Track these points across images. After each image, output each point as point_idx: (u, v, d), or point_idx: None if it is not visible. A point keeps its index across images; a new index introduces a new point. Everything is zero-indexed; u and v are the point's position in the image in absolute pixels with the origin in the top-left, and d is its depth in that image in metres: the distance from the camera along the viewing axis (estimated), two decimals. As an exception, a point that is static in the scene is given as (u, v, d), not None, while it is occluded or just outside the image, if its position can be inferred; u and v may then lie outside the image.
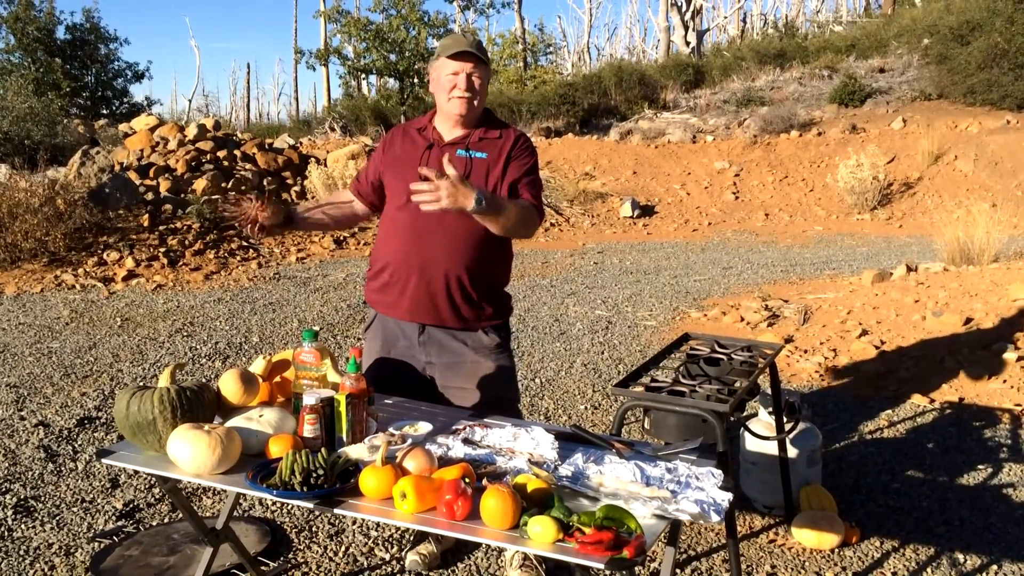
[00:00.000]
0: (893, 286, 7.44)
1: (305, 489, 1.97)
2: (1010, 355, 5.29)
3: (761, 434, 3.43)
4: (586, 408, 4.96)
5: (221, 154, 12.61)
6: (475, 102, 2.74)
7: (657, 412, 2.93)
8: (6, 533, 3.40)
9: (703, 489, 2.02)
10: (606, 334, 6.67)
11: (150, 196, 10.92)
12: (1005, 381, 5.03)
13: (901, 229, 13.15)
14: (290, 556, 3.23)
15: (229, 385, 2.35)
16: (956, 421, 4.65)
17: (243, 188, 2.86)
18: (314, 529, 3.43)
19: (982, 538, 3.38)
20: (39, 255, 8.95)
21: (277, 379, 2.52)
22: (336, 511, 1.97)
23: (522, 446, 2.25)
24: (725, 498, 1.98)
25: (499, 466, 2.13)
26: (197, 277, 8.79)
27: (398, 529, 3.39)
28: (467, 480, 1.96)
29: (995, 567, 3.16)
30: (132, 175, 11.34)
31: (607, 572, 1.75)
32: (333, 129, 20.18)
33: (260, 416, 2.28)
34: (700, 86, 22.23)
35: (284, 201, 3.05)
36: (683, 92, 21.65)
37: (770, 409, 3.46)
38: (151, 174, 11.64)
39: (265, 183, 11.88)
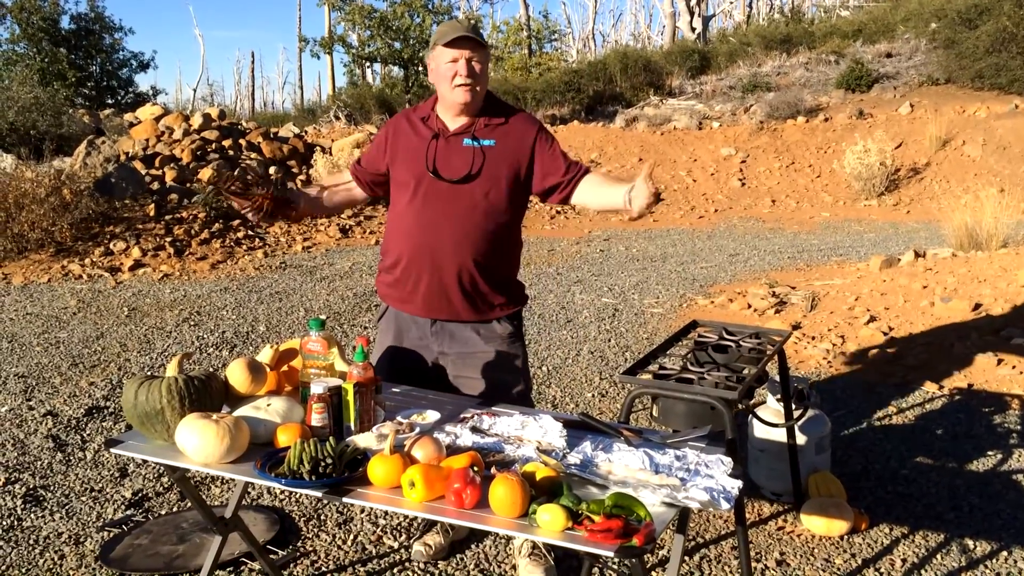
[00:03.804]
0: (901, 272, 7.41)
1: (313, 478, 1.97)
2: (1019, 340, 5.26)
3: (770, 421, 3.42)
4: (593, 396, 4.95)
5: (226, 143, 12.62)
6: (477, 88, 2.70)
7: (665, 400, 2.92)
8: (16, 523, 3.41)
9: (712, 476, 2.02)
10: (613, 322, 6.65)
11: (156, 186, 10.93)
12: (1014, 367, 5.01)
13: (909, 215, 13.09)
14: (299, 544, 3.24)
15: (237, 374, 2.34)
16: (965, 407, 4.63)
17: (248, 177, 2.84)
18: (322, 517, 3.44)
19: (991, 524, 3.37)
20: (46, 245, 8.97)
21: (284, 368, 2.51)
22: (344, 500, 1.96)
23: (530, 434, 2.25)
24: (734, 485, 1.98)
25: (507, 454, 2.13)
26: (203, 266, 8.79)
27: (406, 518, 3.39)
28: (475, 468, 1.95)
29: (1005, 553, 3.15)
30: (138, 165, 11.34)
31: (616, 560, 1.74)
32: (338, 118, 20.15)
33: (268, 405, 2.27)
34: (706, 72, 22.13)
35: (285, 185, 2.99)
36: (689, 78, 21.55)
37: (778, 396, 3.45)
38: (156, 164, 11.65)
39: (271, 171, 11.86)
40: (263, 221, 2.70)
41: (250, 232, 10.04)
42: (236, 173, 2.66)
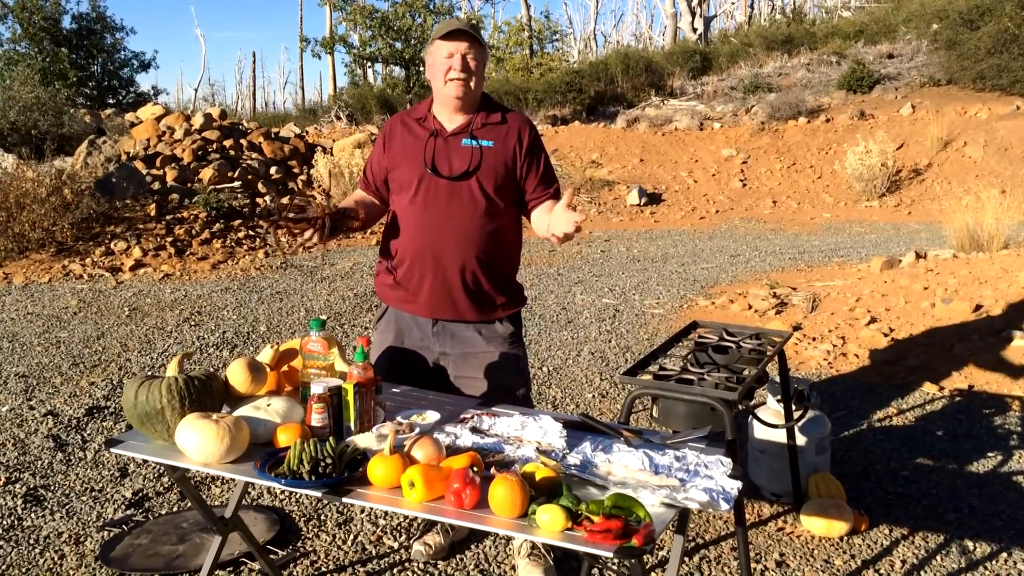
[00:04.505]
0: (902, 273, 7.41)
1: (313, 478, 1.97)
2: (1020, 342, 5.26)
3: (770, 422, 3.42)
4: (593, 396, 4.95)
5: (227, 143, 12.62)
6: (471, 84, 2.70)
7: (665, 400, 2.92)
8: (16, 522, 3.41)
9: (712, 477, 2.02)
10: (613, 322, 6.65)
11: (157, 186, 10.93)
12: (1015, 368, 5.01)
13: (910, 216, 13.09)
14: (299, 544, 3.24)
15: (237, 374, 2.34)
16: (965, 408, 4.63)
17: (296, 201, 2.67)
18: (322, 518, 3.44)
19: (992, 525, 3.37)
20: (47, 245, 8.97)
21: (285, 368, 2.51)
22: (344, 500, 1.96)
23: (530, 435, 2.25)
24: (734, 486, 1.98)
25: (507, 455, 2.13)
26: (204, 266, 8.80)
27: (406, 518, 3.39)
28: (475, 469, 1.95)
29: (1005, 554, 3.15)
30: (139, 165, 11.34)
31: (616, 560, 1.74)
32: (339, 118, 20.16)
33: (268, 405, 2.27)
34: (707, 73, 22.13)
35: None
36: (690, 79, 21.55)
37: (779, 397, 3.45)
38: (158, 164, 11.65)
39: (272, 171, 11.81)
40: (327, 239, 2.59)
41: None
42: (285, 203, 2.58)
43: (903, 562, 3.11)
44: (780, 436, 3.43)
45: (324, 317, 4.40)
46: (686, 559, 3.12)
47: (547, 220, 2.65)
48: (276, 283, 8.13)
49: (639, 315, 6.90)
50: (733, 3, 39.15)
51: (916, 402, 4.74)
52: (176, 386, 2.19)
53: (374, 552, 3.19)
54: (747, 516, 3.42)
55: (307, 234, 2.58)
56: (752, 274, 8.56)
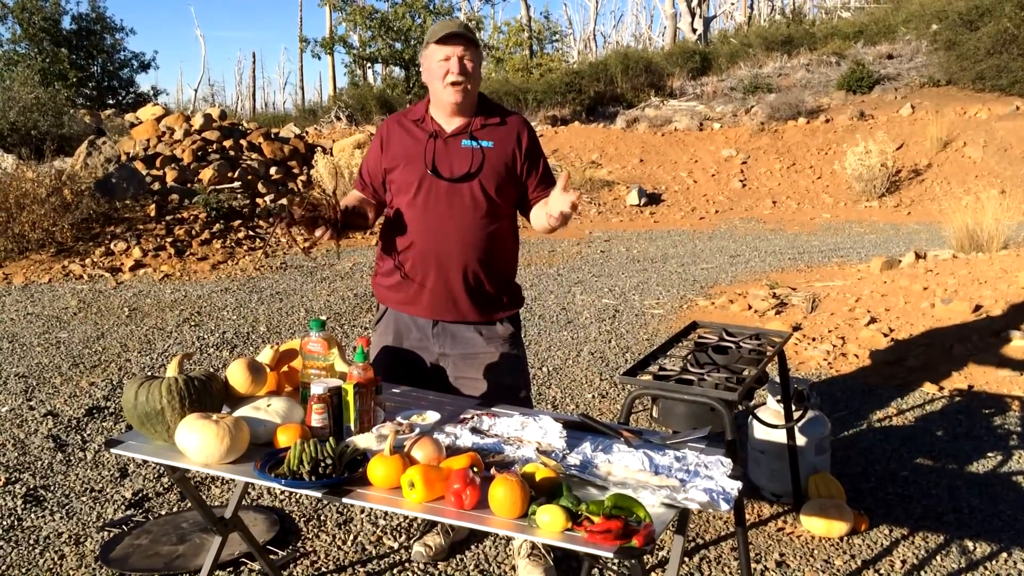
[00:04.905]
0: (902, 273, 7.41)
1: (313, 478, 1.97)
2: (1020, 342, 5.26)
3: (770, 422, 3.42)
4: (593, 397, 4.95)
5: (227, 144, 12.61)
6: (469, 87, 2.71)
7: (665, 400, 2.93)
8: (16, 523, 3.41)
9: (712, 478, 2.02)
10: (613, 323, 6.65)
11: (157, 186, 10.93)
12: (1014, 368, 5.01)
13: (909, 216, 13.09)
14: (299, 545, 3.24)
15: (237, 375, 2.34)
16: (965, 408, 4.63)
17: (301, 196, 2.63)
18: (322, 518, 3.44)
19: (992, 525, 3.37)
20: (47, 245, 8.97)
21: (285, 369, 2.51)
22: (344, 500, 1.96)
23: (530, 435, 2.25)
24: (734, 487, 1.98)
25: (507, 455, 2.13)
26: (204, 267, 8.80)
27: (406, 518, 3.39)
28: (475, 469, 1.95)
29: (1005, 555, 3.15)
30: (138, 165, 11.34)
31: (616, 561, 1.74)
32: (339, 118, 20.16)
33: (268, 406, 2.28)
34: (707, 73, 22.13)
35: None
36: (690, 79, 21.55)
37: (778, 397, 3.45)
38: (157, 164, 11.65)
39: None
40: (338, 238, 2.59)
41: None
42: (294, 199, 2.57)
43: (903, 562, 3.11)
44: (780, 436, 3.43)
45: (324, 317, 4.40)
46: (686, 559, 3.12)
47: (545, 210, 2.67)
48: (276, 283, 8.13)
49: (639, 315, 6.90)
50: (733, 3, 39.17)
51: (916, 402, 4.74)
52: (176, 386, 2.19)
53: (374, 552, 3.19)
54: (747, 516, 3.42)
55: (318, 232, 2.59)
56: (752, 274, 8.56)
